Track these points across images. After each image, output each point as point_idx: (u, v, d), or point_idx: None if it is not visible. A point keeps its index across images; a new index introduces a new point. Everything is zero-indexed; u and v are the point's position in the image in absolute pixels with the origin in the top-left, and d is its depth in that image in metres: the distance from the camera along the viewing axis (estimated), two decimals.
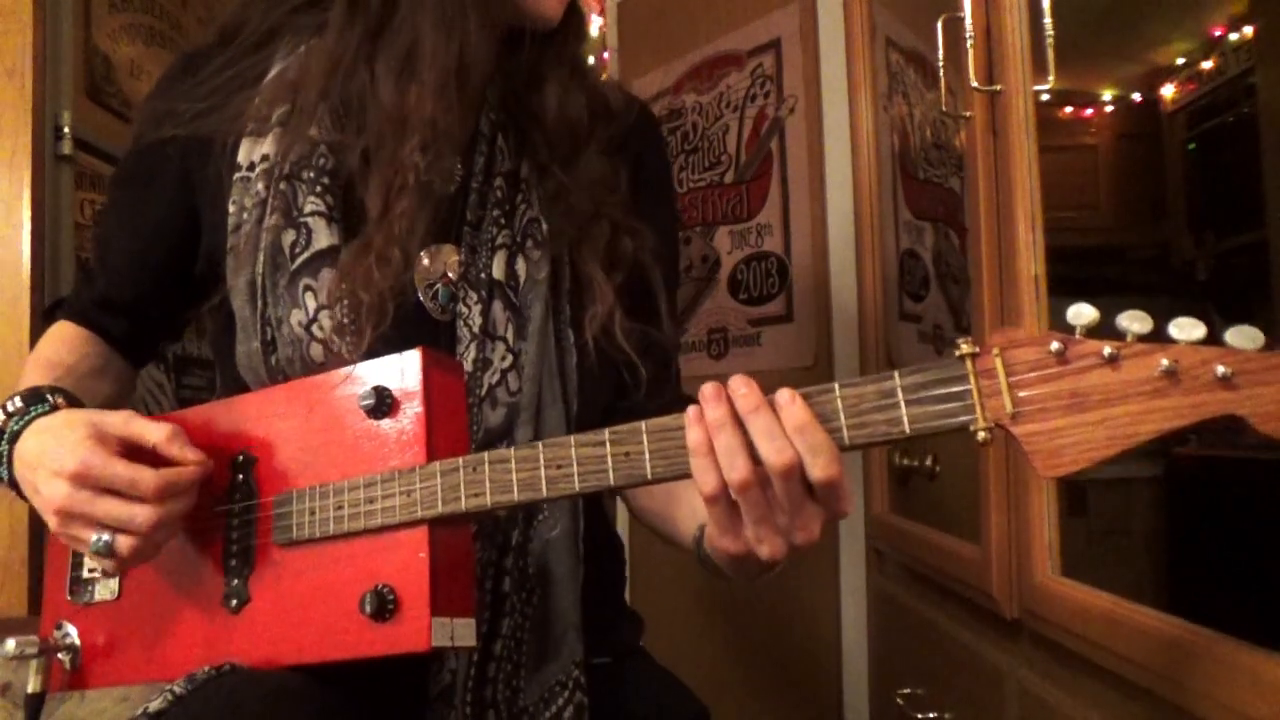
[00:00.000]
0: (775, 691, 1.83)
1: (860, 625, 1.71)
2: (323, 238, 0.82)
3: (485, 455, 0.67)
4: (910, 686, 1.31)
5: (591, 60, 2.31)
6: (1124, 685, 0.80)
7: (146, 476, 0.70)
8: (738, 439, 0.59)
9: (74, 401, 0.79)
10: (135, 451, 0.72)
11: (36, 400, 0.77)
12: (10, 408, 0.77)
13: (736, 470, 0.59)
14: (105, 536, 0.70)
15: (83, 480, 0.69)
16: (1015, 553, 1.01)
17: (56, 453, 0.71)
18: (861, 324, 1.69)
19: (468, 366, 0.82)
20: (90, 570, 0.83)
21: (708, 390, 0.60)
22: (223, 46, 0.90)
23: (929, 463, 1.39)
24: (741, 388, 0.60)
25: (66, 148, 1.44)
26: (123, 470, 0.70)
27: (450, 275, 0.85)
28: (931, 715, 1.21)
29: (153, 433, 0.73)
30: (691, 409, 0.61)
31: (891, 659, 1.56)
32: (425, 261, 0.84)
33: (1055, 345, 0.53)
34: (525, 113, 0.91)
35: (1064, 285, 0.99)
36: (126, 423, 0.73)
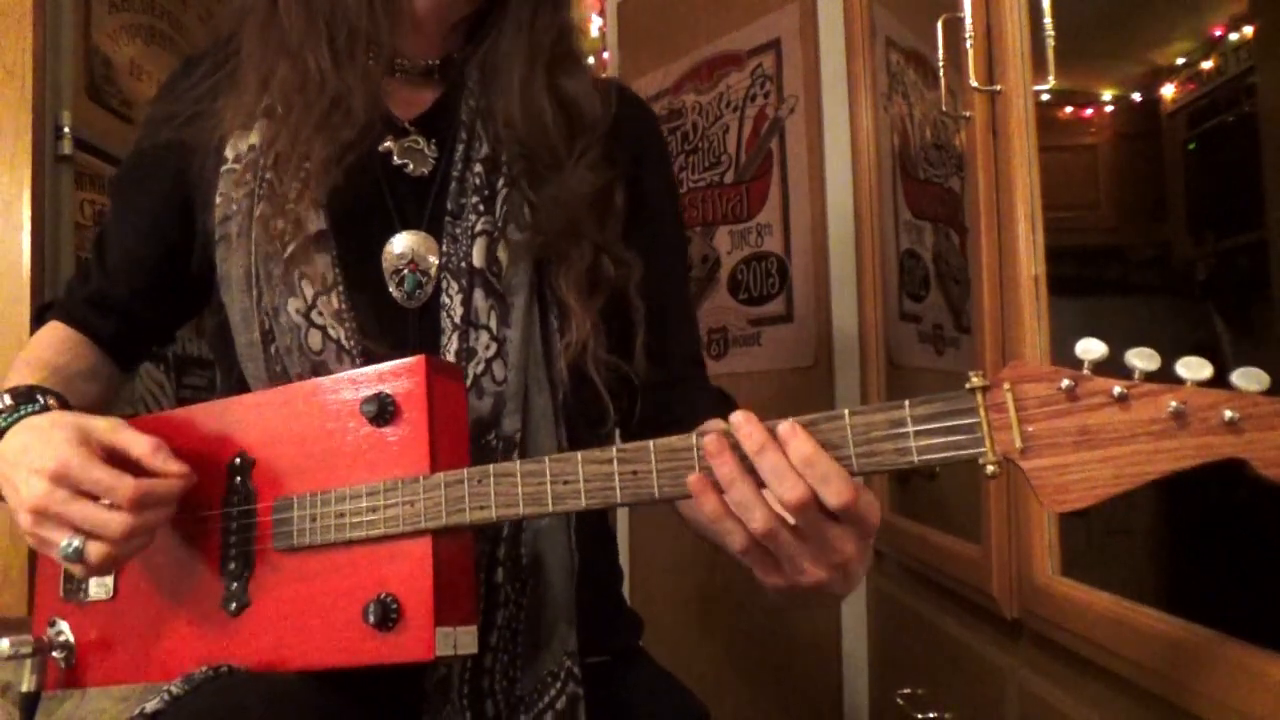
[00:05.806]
0: (775, 691, 1.83)
1: (860, 625, 1.71)
2: (311, 224, 0.82)
3: (490, 468, 0.67)
4: (910, 686, 1.31)
5: (591, 60, 2.30)
6: (1124, 685, 0.80)
7: (125, 484, 0.69)
8: (750, 490, 0.59)
9: (65, 404, 0.79)
10: (118, 460, 0.72)
11: (28, 399, 0.77)
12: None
13: (756, 521, 0.59)
14: (75, 541, 0.69)
15: (61, 480, 0.69)
16: (1015, 553, 1.00)
17: (39, 451, 0.70)
18: (861, 324, 1.69)
19: (450, 357, 0.81)
20: None
21: (710, 444, 0.59)
22: (216, 50, 0.91)
23: None
24: (744, 425, 0.59)
25: (66, 148, 1.44)
26: (101, 475, 0.69)
27: (416, 262, 0.85)
28: (931, 715, 1.21)
29: (137, 444, 0.72)
30: (693, 478, 0.60)
31: (891, 659, 1.56)
32: (392, 249, 0.85)
33: (1066, 382, 0.54)
34: (492, 112, 0.90)
35: (1064, 285, 0.99)
36: (113, 430, 0.72)
